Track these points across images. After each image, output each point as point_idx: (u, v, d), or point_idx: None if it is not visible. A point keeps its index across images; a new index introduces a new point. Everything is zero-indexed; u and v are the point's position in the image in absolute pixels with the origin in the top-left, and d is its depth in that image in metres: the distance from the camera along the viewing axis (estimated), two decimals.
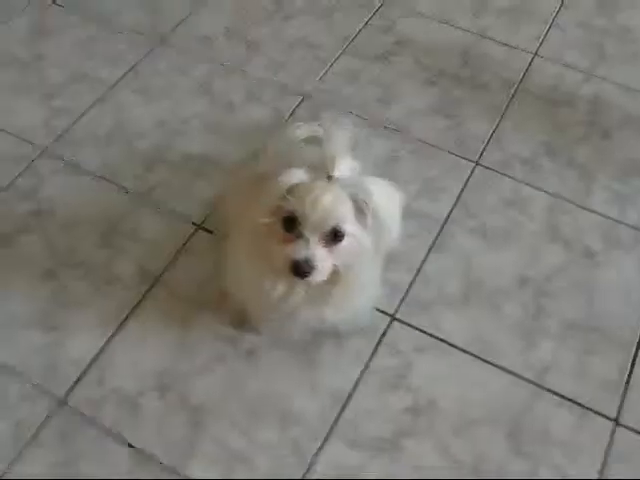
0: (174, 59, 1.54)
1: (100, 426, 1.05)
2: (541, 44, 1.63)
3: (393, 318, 1.16)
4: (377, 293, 1.02)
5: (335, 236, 0.84)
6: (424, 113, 1.46)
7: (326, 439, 1.05)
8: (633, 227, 1.31)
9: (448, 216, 1.30)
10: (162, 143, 1.38)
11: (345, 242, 0.85)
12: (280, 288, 0.91)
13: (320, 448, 1.04)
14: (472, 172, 1.37)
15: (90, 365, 1.11)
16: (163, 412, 1.07)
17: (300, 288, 0.91)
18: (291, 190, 0.83)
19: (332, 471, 1.01)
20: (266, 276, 0.90)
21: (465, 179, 1.36)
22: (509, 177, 1.37)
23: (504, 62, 1.58)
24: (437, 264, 1.24)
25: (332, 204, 0.82)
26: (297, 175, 0.84)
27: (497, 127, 1.44)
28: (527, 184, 1.36)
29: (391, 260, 1.06)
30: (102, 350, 1.13)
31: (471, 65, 1.57)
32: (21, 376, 1.09)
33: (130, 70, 1.51)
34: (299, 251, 0.83)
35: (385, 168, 1.33)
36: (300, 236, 0.84)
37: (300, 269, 0.83)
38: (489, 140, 1.42)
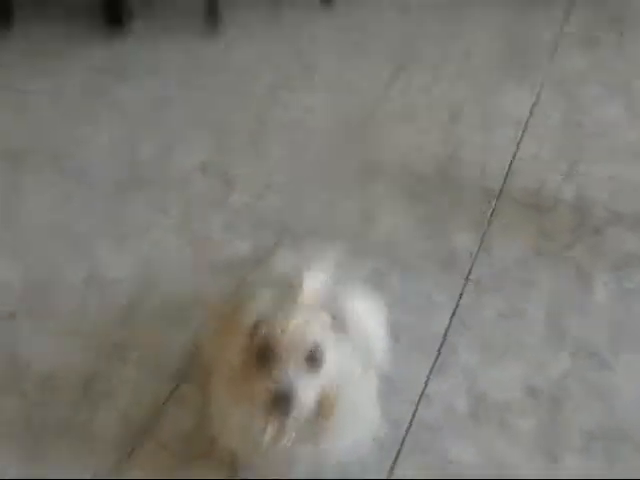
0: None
1: None
2: (518, 147, 1.62)
3: (397, 454, 1.08)
4: (376, 418, 0.94)
5: (315, 360, 0.78)
6: (408, 232, 1.45)
7: None
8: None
9: (446, 332, 1.24)
10: (140, 289, 1.32)
11: (327, 364, 0.79)
12: (270, 430, 0.84)
13: None
14: (464, 288, 1.32)
15: None
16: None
17: (291, 426, 0.83)
18: (260, 320, 0.78)
19: None
20: (253, 419, 0.84)
21: (457, 295, 1.30)
22: (503, 287, 1.31)
23: (483, 170, 1.56)
24: (439, 386, 1.17)
25: (305, 325, 0.77)
26: (263, 302, 0.79)
27: (483, 239, 1.41)
28: (522, 293, 1.31)
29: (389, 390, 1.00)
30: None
31: (451, 177, 1.55)
32: None
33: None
34: (277, 384, 0.77)
35: (374, 290, 1.28)
36: (276, 368, 0.78)
37: (281, 403, 0.77)
38: (477, 253, 1.38)
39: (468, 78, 1.88)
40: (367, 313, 0.83)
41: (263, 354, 0.78)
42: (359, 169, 1.60)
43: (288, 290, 0.79)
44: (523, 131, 1.67)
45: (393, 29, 2.09)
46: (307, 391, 0.78)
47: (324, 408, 0.82)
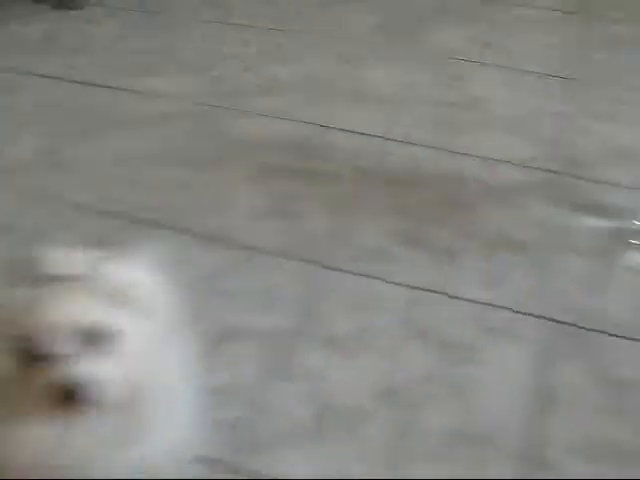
0: None
1: None
2: (390, 126, 1.48)
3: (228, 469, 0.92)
4: (198, 422, 0.77)
5: (96, 339, 0.65)
6: (261, 217, 1.31)
7: None
8: (507, 308, 1.14)
9: (292, 331, 1.08)
10: None
11: (115, 341, 0.66)
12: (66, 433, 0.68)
13: None
14: (318, 276, 1.17)
15: None
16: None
17: (92, 422, 0.68)
18: (12, 317, 0.65)
19: None
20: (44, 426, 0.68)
21: (310, 285, 1.15)
22: (361, 275, 1.18)
23: (350, 149, 1.45)
24: (280, 390, 1.02)
25: (75, 300, 0.66)
26: (16, 299, 0.65)
27: (344, 221, 1.26)
28: (382, 279, 1.17)
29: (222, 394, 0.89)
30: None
31: (314, 157, 1.42)
32: None
33: None
34: (59, 374, 0.64)
35: (215, 283, 1.13)
36: (53, 358, 0.64)
37: (70, 393, 0.64)
38: (335, 237, 1.23)
39: (341, 52, 1.76)
40: (142, 281, 0.71)
41: (29, 352, 0.65)
42: (216, 149, 1.46)
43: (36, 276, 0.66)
44: (395, 107, 1.52)
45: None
46: (99, 375, 0.65)
47: (131, 398, 0.68)
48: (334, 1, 1.96)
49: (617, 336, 1.11)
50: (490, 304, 1.15)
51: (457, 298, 1.15)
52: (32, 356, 0.66)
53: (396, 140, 1.45)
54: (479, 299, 1.16)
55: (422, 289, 1.17)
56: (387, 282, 1.18)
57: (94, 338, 0.66)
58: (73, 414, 0.67)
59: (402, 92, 1.58)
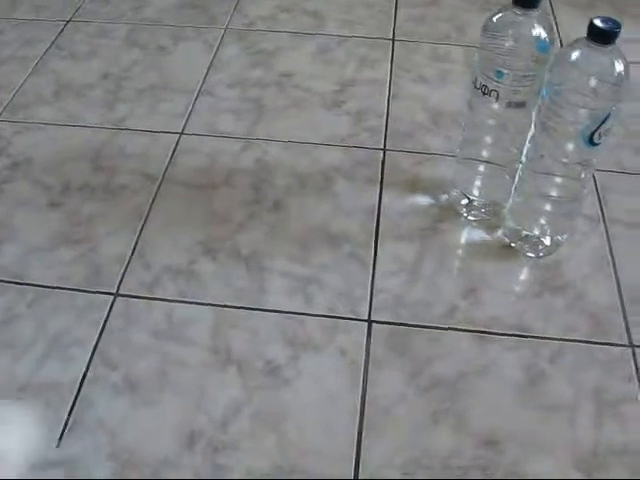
0: None
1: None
2: (189, 118, 1.34)
3: None
4: None
5: None
6: (45, 248, 1.16)
7: None
8: (323, 316, 1.06)
9: (83, 378, 0.95)
10: None
11: None
12: None
13: None
14: (111, 307, 1.04)
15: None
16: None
17: None
18: None
19: None
20: None
21: (102, 323, 1.02)
22: (160, 300, 1.04)
23: (145, 154, 1.28)
24: (74, 447, 0.91)
25: None
26: None
27: (139, 238, 1.13)
28: (183, 302, 1.04)
29: None
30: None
31: (105, 168, 1.26)
32: None
33: None
34: None
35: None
36: None
37: None
38: (130, 258, 1.09)
39: (141, 39, 1.61)
40: None
41: None
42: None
43: None
44: (197, 96, 1.38)
45: None
46: None
47: None
48: None
49: (441, 329, 1.06)
50: (305, 314, 1.04)
51: (268, 311, 1.04)
52: None
53: (197, 134, 1.31)
54: (291, 309, 1.07)
55: (229, 306, 1.04)
56: (190, 303, 1.06)
57: None
58: None
59: (204, 76, 1.42)
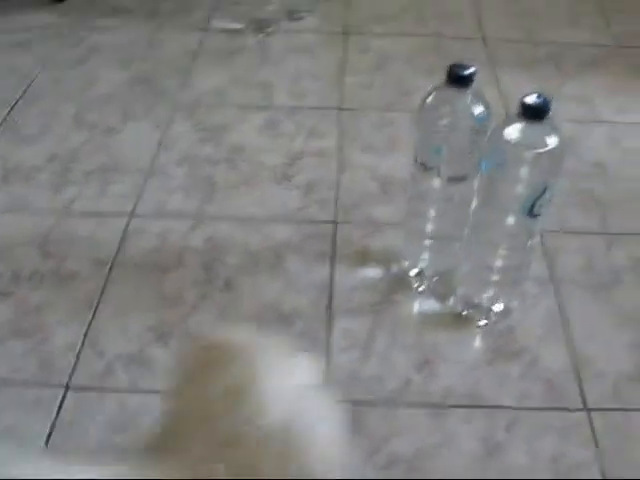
0: None
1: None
2: (139, 199, 1.34)
3: None
4: None
5: None
6: None
7: None
8: None
9: None
10: None
11: None
12: None
13: None
14: (62, 401, 1.02)
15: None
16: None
17: None
18: None
19: None
20: None
21: (53, 416, 1.00)
22: (112, 390, 1.03)
23: (95, 237, 1.28)
24: None
25: None
26: None
27: (90, 326, 1.12)
28: (136, 391, 1.03)
29: None
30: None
31: (54, 254, 1.25)
32: None
33: None
34: None
35: None
36: None
37: None
38: (81, 348, 1.09)
39: (90, 118, 1.62)
40: None
41: None
42: None
43: None
44: (147, 175, 1.39)
45: None
46: None
47: None
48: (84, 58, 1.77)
49: (396, 404, 1.07)
50: None
51: None
52: None
53: (147, 215, 1.31)
54: None
55: None
56: (143, 392, 1.05)
57: None
58: None
59: (153, 155, 1.43)
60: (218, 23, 1.96)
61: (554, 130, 0.94)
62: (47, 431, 1.02)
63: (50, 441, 1.01)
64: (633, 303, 1.22)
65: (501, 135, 0.96)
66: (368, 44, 1.87)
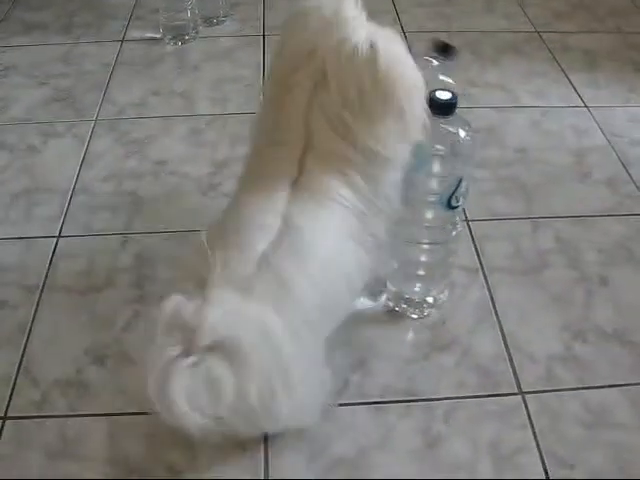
0: None
1: None
2: (65, 220, 1.34)
3: None
4: None
5: None
6: None
7: None
8: None
9: None
10: None
11: None
12: None
13: None
14: (0, 433, 1.01)
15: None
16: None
17: None
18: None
19: None
20: None
21: None
22: (51, 417, 1.04)
23: (22, 263, 1.27)
24: None
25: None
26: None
27: (24, 354, 1.12)
28: (75, 415, 1.05)
29: None
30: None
31: None
32: None
33: None
34: None
35: None
36: None
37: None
38: (16, 377, 1.08)
39: (9, 139, 1.61)
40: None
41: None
42: None
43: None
44: (69, 200, 1.38)
45: None
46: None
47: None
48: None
49: (336, 405, 1.09)
50: None
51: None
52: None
53: (74, 236, 1.32)
54: None
55: (124, 414, 1.05)
56: (82, 416, 1.05)
57: None
58: None
59: (77, 173, 1.43)
60: (135, 33, 1.93)
61: (462, 124, 0.97)
62: None
63: None
64: (561, 284, 1.26)
65: None
66: None
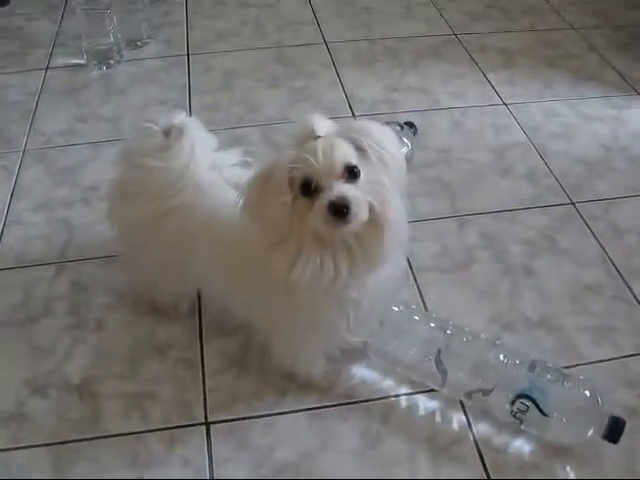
0: None
1: None
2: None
3: None
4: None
5: (351, 173, 0.88)
6: None
7: None
8: (161, 429, 1.11)
9: None
10: None
11: (362, 176, 0.89)
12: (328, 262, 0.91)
13: None
14: None
15: None
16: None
17: (343, 251, 0.92)
18: (292, 166, 0.88)
19: None
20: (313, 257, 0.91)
21: None
22: None
23: None
24: None
25: (336, 148, 0.87)
26: (288, 155, 0.88)
27: None
28: (19, 448, 1.08)
29: None
30: None
31: None
32: None
33: None
34: (329, 196, 0.86)
35: None
36: (322, 190, 0.87)
37: (338, 207, 0.85)
38: None
39: None
40: (381, 135, 0.92)
41: (307, 185, 0.87)
42: None
43: (305, 136, 0.89)
44: (1, 233, 1.38)
45: None
46: (357, 196, 0.87)
47: (373, 219, 0.89)
48: None
49: (275, 414, 1.12)
50: (143, 431, 1.11)
51: (107, 437, 1.09)
52: (306, 191, 0.88)
53: (8, 268, 1.35)
54: (130, 429, 1.12)
55: (68, 441, 1.06)
56: (26, 448, 1.06)
57: (347, 173, 0.88)
58: (338, 225, 0.86)
59: (7, 206, 1.45)
60: (59, 60, 1.94)
61: None
62: None
63: None
64: (487, 278, 1.31)
65: None
66: (211, 63, 1.91)
